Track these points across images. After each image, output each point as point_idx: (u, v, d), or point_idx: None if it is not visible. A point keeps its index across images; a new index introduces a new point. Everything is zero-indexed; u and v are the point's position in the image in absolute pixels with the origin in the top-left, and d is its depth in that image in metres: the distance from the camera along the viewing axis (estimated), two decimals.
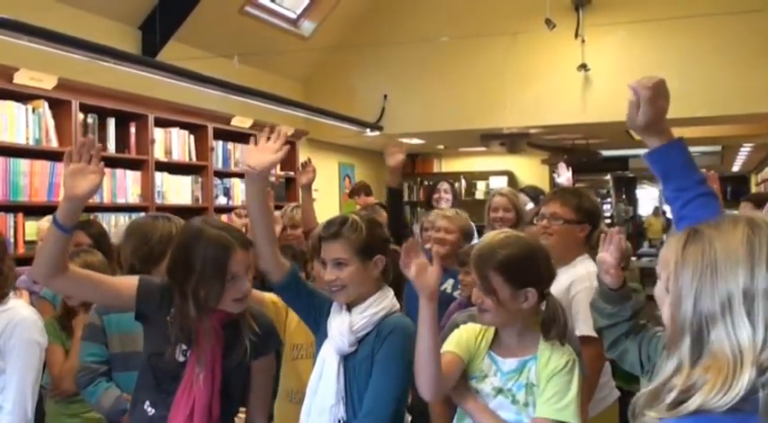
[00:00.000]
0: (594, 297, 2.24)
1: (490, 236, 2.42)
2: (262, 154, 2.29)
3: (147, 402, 2.41)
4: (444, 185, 5.90)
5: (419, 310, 2.16)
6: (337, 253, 2.36)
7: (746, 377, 1.13)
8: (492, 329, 2.34)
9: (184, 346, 2.37)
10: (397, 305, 2.43)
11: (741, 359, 1.15)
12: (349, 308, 2.39)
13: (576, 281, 3.04)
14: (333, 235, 2.38)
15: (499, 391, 2.26)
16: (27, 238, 4.76)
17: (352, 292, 2.37)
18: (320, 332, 2.45)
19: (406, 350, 2.27)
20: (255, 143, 2.34)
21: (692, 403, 1.16)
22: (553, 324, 2.24)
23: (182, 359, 2.37)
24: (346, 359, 2.34)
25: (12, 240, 4.63)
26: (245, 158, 2.31)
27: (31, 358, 2.71)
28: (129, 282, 2.42)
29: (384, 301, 2.38)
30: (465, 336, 2.36)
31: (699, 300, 1.21)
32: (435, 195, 5.85)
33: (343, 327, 2.33)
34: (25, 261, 4.32)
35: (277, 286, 2.47)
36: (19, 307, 2.77)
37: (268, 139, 2.32)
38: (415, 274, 2.15)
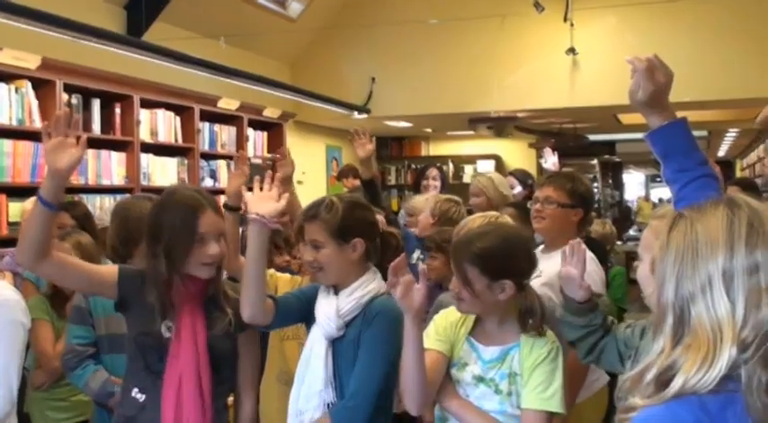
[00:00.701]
0: (563, 313, 2.22)
1: (468, 224, 2.42)
2: (265, 202, 2.28)
3: (136, 389, 2.41)
4: (433, 172, 5.83)
5: (404, 330, 2.13)
6: (314, 234, 2.37)
7: (727, 354, 1.13)
8: (473, 316, 2.33)
9: (169, 323, 2.38)
10: (384, 287, 2.41)
11: (721, 336, 1.15)
12: (336, 291, 2.38)
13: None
14: (311, 216, 2.39)
15: (480, 379, 2.25)
16: (10, 220, 4.72)
17: (331, 274, 2.37)
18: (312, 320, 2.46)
19: (392, 332, 2.27)
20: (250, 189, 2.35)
21: (675, 385, 1.16)
22: (530, 316, 2.22)
23: (167, 335, 2.38)
24: (334, 343, 2.34)
25: None
26: (252, 207, 2.27)
27: (15, 339, 2.69)
28: (110, 269, 2.45)
29: (371, 284, 2.37)
30: (443, 324, 2.34)
31: (680, 282, 1.21)
32: (424, 182, 5.81)
33: (330, 311, 2.33)
34: (8, 243, 4.29)
35: (267, 328, 2.48)
36: (1, 288, 2.75)
37: (261, 188, 2.31)
38: (400, 295, 2.10)
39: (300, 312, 2.45)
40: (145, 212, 2.88)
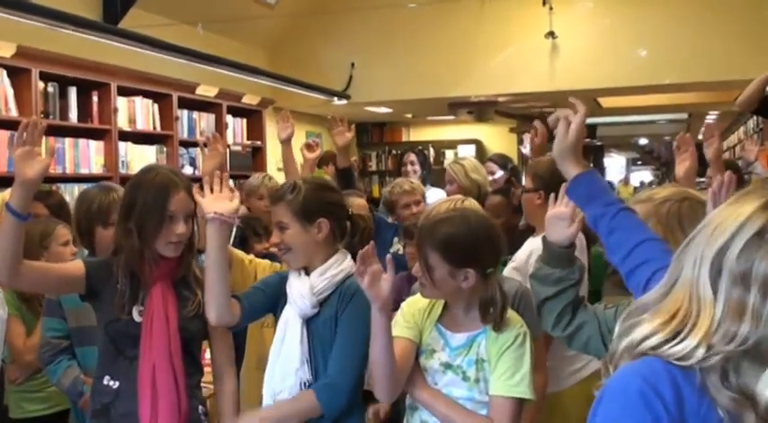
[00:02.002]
0: (538, 266, 2.12)
1: (435, 209, 2.39)
2: (220, 202, 2.28)
3: (108, 377, 2.43)
4: (411, 157, 5.72)
5: (372, 320, 2.12)
6: (279, 216, 2.40)
7: (695, 342, 1.13)
8: (441, 302, 2.32)
9: (140, 307, 2.39)
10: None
11: (696, 320, 1.14)
12: (307, 272, 2.39)
13: (535, 250, 3.04)
14: (276, 198, 2.42)
15: (448, 366, 2.23)
16: None
17: (299, 255, 2.38)
18: (280, 311, 2.45)
19: (368, 311, 2.25)
20: (202, 193, 2.32)
21: (647, 342, 1.16)
22: (491, 307, 2.19)
23: (138, 319, 2.39)
24: (308, 322, 2.35)
25: None
26: (208, 208, 2.27)
27: None
28: (75, 264, 2.45)
29: (342, 264, 2.39)
30: (410, 311, 2.33)
31: (682, 252, 1.21)
32: (403, 168, 5.77)
33: (303, 289, 2.34)
34: None
35: (234, 328, 2.48)
36: None
37: (212, 189, 2.30)
38: (367, 284, 2.08)
39: (265, 304, 2.46)
40: (104, 203, 2.90)
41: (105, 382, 2.42)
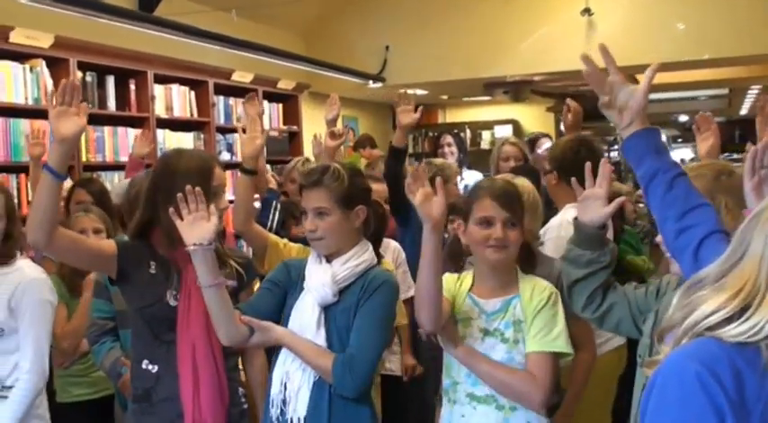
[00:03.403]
0: (569, 247, 2.12)
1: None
2: (198, 226, 2.17)
3: (146, 361, 2.44)
4: (447, 139, 5.71)
5: (422, 240, 2.16)
6: (318, 201, 2.31)
7: (766, 314, 1.09)
8: (469, 276, 2.39)
9: (174, 291, 2.40)
10: (376, 259, 2.41)
11: (767, 288, 1.11)
12: (328, 260, 2.34)
13: (549, 229, 3.05)
14: (314, 183, 2.33)
15: (486, 332, 2.30)
16: (30, 199, 4.74)
17: (332, 242, 2.32)
18: (291, 298, 2.39)
19: (393, 304, 2.32)
20: (181, 218, 2.19)
21: (704, 321, 1.12)
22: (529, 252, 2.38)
23: (173, 303, 2.40)
24: (326, 310, 2.30)
25: (15, 201, 4.61)
26: (187, 237, 2.16)
27: (44, 317, 2.76)
28: (109, 243, 2.47)
29: (364, 254, 2.35)
30: (445, 278, 2.38)
31: (749, 227, 1.18)
32: (440, 150, 5.75)
33: (325, 278, 2.29)
34: None
35: (247, 343, 2.37)
36: (26, 267, 2.80)
37: (189, 210, 2.19)
38: (419, 202, 2.13)
39: (277, 304, 2.38)
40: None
41: (144, 367, 2.43)
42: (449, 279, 2.38)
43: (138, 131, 5.79)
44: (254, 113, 3.60)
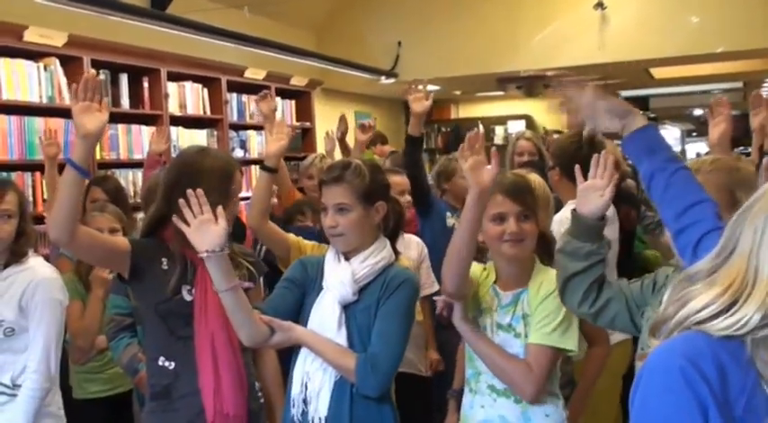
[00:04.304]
0: (567, 240, 2.07)
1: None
2: (206, 231, 2.12)
3: (162, 358, 2.42)
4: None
5: (465, 207, 2.18)
6: (340, 197, 2.29)
7: (749, 311, 1.10)
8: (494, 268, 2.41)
9: (188, 286, 2.39)
10: (394, 256, 2.39)
11: (753, 281, 1.12)
12: (346, 257, 2.33)
13: (552, 224, 3.05)
14: (335, 179, 2.31)
15: (500, 326, 2.32)
16: (45, 197, 4.77)
17: (352, 238, 2.30)
18: (310, 297, 2.38)
19: (412, 305, 2.32)
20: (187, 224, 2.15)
21: (691, 317, 1.14)
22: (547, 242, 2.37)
23: (189, 298, 2.39)
24: (346, 308, 2.29)
25: (30, 199, 4.64)
26: (197, 245, 2.12)
27: (53, 317, 2.76)
28: (121, 240, 2.45)
29: (383, 251, 2.33)
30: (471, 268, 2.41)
31: (739, 222, 1.18)
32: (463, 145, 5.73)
33: (345, 277, 2.27)
34: (44, 219, 4.34)
35: (268, 342, 2.35)
36: (38, 266, 2.81)
37: (194, 214, 2.15)
38: (469, 167, 2.13)
39: (296, 302, 2.36)
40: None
41: (161, 364, 2.42)
42: (476, 267, 2.40)
43: (152, 129, 5.82)
44: (268, 110, 3.61)
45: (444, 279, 2.26)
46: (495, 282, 2.38)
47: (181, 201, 2.15)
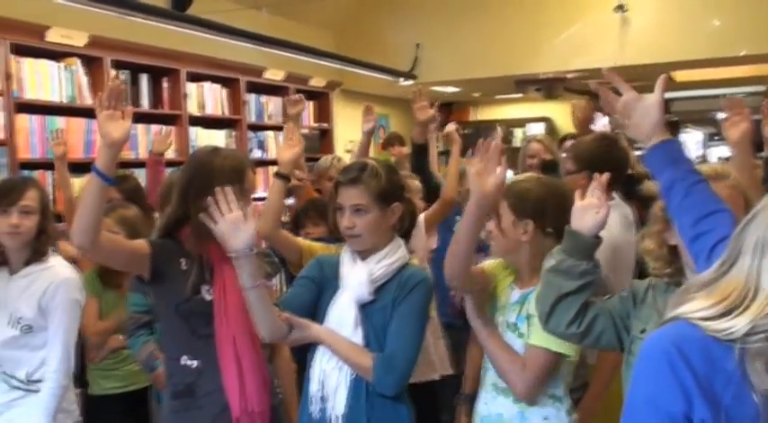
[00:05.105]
0: (561, 258, 2.02)
1: (523, 175, 2.51)
2: (237, 231, 2.14)
3: (185, 357, 2.43)
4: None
5: (465, 211, 2.21)
6: (357, 199, 2.32)
7: (744, 320, 1.13)
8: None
9: (207, 285, 2.41)
10: (408, 256, 2.42)
11: (753, 296, 1.14)
12: (362, 258, 2.35)
13: None
14: (352, 180, 2.33)
15: (507, 325, 2.34)
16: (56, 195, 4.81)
17: (369, 239, 2.33)
18: (326, 296, 2.40)
19: (427, 305, 2.34)
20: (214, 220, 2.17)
21: (684, 308, 1.19)
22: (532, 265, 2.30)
23: (208, 298, 2.41)
24: (363, 308, 2.32)
25: (51, 197, 4.68)
26: (228, 243, 2.15)
27: (72, 317, 2.82)
28: (140, 243, 2.44)
29: (398, 252, 2.36)
30: (493, 264, 2.46)
31: (742, 234, 1.20)
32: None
33: (361, 276, 2.30)
34: (62, 217, 4.37)
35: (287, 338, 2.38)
36: (59, 266, 2.85)
37: (222, 212, 2.17)
38: (475, 172, 2.15)
39: (312, 300, 2.39)
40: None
41: (183, 363, 2.42)
42: (497, 264, 2.44)
43: (171, 129, 5.86)
44: (295, 112, 3.64)
45: (447, 274, 2.29)
46: (515, 279, 2.40)
47: (210, 199, 2.17)
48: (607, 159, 3.04)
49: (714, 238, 1.66)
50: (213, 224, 2.17)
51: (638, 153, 3.66)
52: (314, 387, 2.33)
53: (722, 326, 1.13)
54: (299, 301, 2.37)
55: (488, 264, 2.47)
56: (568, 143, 4.98)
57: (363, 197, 2.31)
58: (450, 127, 4.62)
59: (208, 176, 2.37)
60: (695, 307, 1.18)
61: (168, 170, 5.41)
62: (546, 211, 2.29)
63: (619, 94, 1.93)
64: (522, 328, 2.30)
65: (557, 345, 2.21)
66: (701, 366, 1.13)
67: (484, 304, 2.41)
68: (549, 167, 4.02)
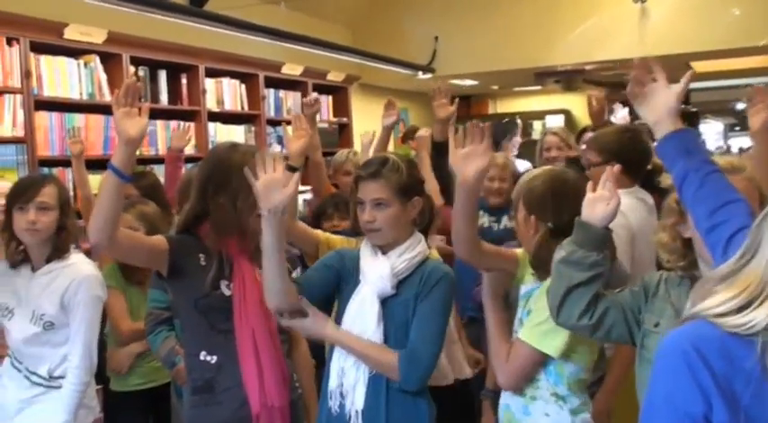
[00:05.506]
0: (572, 249, 1.99)
1: (540, 168, 2.52)
2: (274, 190, 2.12)
3: (204, 352, 2.43)
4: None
5: (455, 197, 2.23)
6: (377, 193, 2.32)
7: (764, 312, 1.13)
8: None
9: (226, 281, 2.41)
10: (428, 250, 2.42)
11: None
12: (383, 252, 2.35)
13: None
14: (372, 174, 2.33)
15: (519, 319, 2.37)
16: (75, 193, 4.83)
17: (389, 233, 2.33)
18: (346, 290, 2.40)
19: (450, 301, 2.36)
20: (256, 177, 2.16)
21: (701, 305, 1.19)
22: (536, 258, 2.30)
23: (228, 293, 2.41)
24: (384, 303, 2.31)
25: (71, 194, 4.70)
26: (261, 198, 2.12)
27: (94, 314, 2.84)
28: (159, 239, 2.44)
29: (419, 246, 2.36)
30: (524, 253, 2.45)
31: (761, 226, 1.21)
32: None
33: (383, 270, 2.29)
34: (80, 214, 4.39)
35: None
36: (80, 263, 2.87)
37: (265, 170, 2.16)
38: (459, 158, 2.18)
39: (329, 285, 2.39)
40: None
41: (202, 358, 2.42)
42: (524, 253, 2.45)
43: (190, 124, 5.87)
44: (309, 113, 3.63)
45: (458, 256, 2.36)
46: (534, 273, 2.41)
47: (257, 156, 2.16)
48: (633, 150, 3.10)
49: (730, 229, 1.65)
50: (255, 183, 2.15)
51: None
52: (333, 383, 2.33)
53: (741, 320, 1.14)
54: (319, 279, 2.37)
55: (521, 251, 2.47)
56: (588, 135, 4.97)
57: (384, 191, 2.31)
58: (423, 132, 4.50)
59: (226, 172, 2.38)
60: (714, 302, 1.18)
61: (187, 166, 5.45)
62: (546, 207, 2.31)
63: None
64: (525, 322, 2.32)
65: (539, 343, 2.22)
66: (720, 366, 1.13)
67: (501, 287, 2.43)
68: (575, 164, 3.99)
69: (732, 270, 1.22)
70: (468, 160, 2.16)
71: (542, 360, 2.26)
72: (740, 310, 1.15)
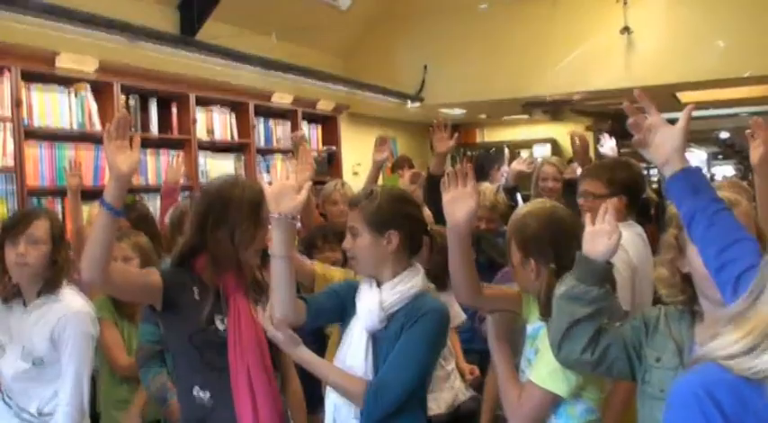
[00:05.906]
0: (573, 284, 1.98)
1: (530, 205, 2.47)
2: (286, 197, 2.15)
3: (197, 387, 2.40)
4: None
5: (447, 239, 2.23)
6: (352, 220, 2.35)
7: None
8: None
9: (221, 315, 2.39)
10: (428, 285, 2.39)
11: None
12: (378, 284, 2.33)
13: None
14: (353, 202, 2.38)
15: (527, 358, 2.32)
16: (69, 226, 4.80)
17: (364, 264, 2.34)
18: (347, 322, 2.40)
19: (435, 336, 2.29)
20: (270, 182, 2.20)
21: (710, 348, 1.18)
22: (546, 302, 2.19)
23: (222, 328, 2.39)
24: (375, 336, 2.29)
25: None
26: (273, 204, 2.15)
27: (85, 351, 2.78)
28: (153, 274, 2.43)
29: (414, 279, 2.32)
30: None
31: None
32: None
33: (372, 304, 2.28)
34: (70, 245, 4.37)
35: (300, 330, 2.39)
36: (71, 299, 2.82)
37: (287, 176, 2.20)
38: (446, 200, 2.19)
39: (333, 311, 2.40)
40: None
41: (195, 394, 2.39)
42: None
43: (179, 153, 5.87)
44: (299, 146, 3.63)
45: (457, 300, 2.35)
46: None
47: (283, 165, 2.17)
48: (638, 183, 3.18)
49: (739, 268, 1.65)
50: (267, 187, 2.18)
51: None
52: (328, 419, 2.33)
53: (748, 364, 1.13)
54: (326, 301, 2.38)
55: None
56: (575, 166, 5.00)
57: (357, 220, 2.33)
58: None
59: (225, 207, 2.37)
60: (721, 344, 1.18)
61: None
62: (545, 249, 2.24)
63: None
64: (534, 361, 2.27)
65: (552, 384, 2.18)
66: (733, 409, 1.12)
67: (507, 327, 2.39)
68: (570, 187, 4.03)
69: (739, 311, 1.21)
70: (456, 203, 2.18)
71: (554, 401, 2.22)
72: (748, 352, 1.14)
